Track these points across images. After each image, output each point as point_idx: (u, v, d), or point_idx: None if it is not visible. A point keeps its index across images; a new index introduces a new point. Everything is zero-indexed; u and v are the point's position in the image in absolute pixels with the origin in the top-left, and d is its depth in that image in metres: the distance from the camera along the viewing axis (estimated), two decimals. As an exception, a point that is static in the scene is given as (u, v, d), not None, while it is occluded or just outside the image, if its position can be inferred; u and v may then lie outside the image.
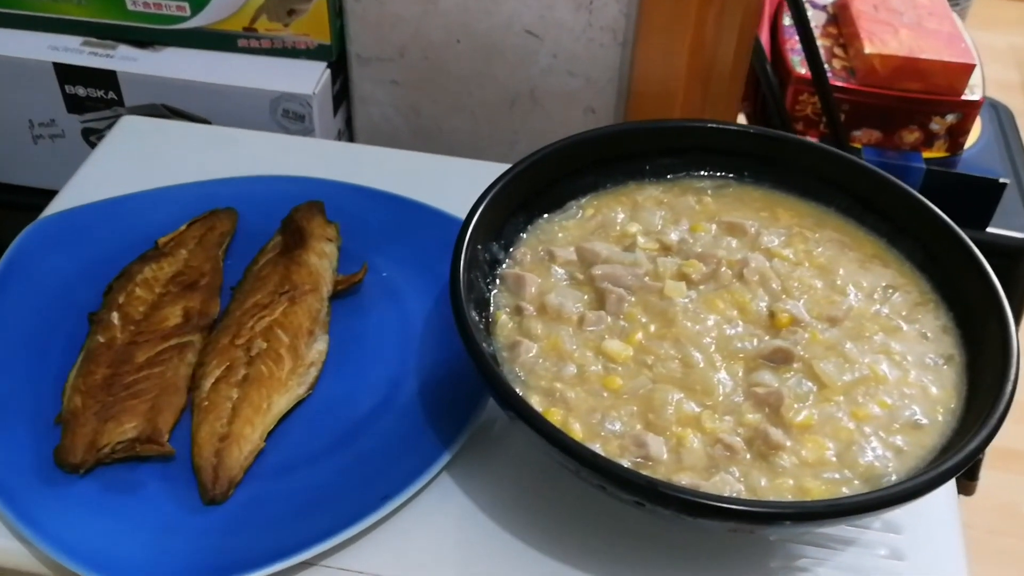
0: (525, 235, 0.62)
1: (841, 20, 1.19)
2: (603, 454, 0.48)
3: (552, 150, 0.61)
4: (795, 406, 0.52)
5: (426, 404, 0.62)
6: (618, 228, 0.62)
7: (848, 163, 0.63)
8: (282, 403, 0.61)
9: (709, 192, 0.65)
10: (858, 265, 0.61)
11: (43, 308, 0.67)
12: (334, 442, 0.60)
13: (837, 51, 1.28)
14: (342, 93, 0.94)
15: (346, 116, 0.96)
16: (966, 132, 1.11)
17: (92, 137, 0.94)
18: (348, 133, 0.98)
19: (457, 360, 0.64)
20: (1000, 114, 1.27)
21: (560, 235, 0.62)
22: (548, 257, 0.60)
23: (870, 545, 0.58)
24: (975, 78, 1.10)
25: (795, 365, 0.54)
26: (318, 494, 0.57)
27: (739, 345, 0.55)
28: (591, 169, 0.64)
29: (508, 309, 0.57)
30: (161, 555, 0.54)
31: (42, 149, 0.96)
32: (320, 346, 0.64)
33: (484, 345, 0.51)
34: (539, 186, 0.62)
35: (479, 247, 0.57)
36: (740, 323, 0.56)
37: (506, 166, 0.82)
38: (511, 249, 0.61)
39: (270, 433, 0.60)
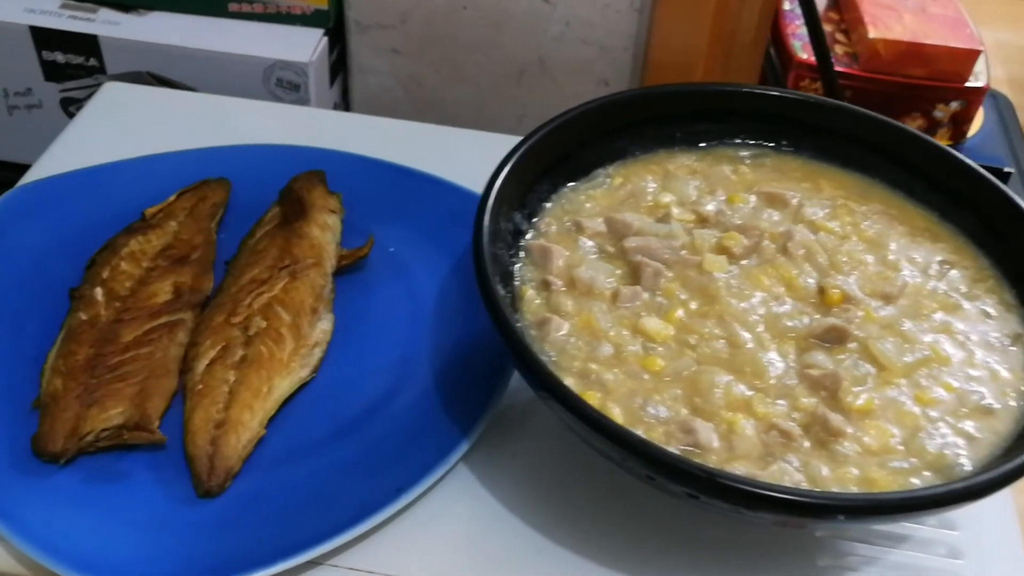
0: (549, 204, 0.57)
1: (843, 5, 1.16)
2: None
3: (581, 112, 0.56)
4: (853, 389, 0.47)
5: (440, 388, 0.57)
6: (650, 198, 0.57)
7: (898, 131, 0.58)
8: (284, 387, 0.55)
9: (746, 161, 0.60)
10: (908, 239, 0.56)
11: (18, 283, 0.61)
12: (341, 429, 0.55)
13: (839, 36, 1.25)
14: (339, 62, 0.89)
15: (343, 87, 0.91)
16: (970, 120, 1.09)
17: (71, 107, 0.88)
18: (344, 105, 0.93)
19: (474, 340, 0.59)
20: (1000, 103, 1.25)
21: (587, 205, 0.57)
22: (575, 228, 0.55)
23: (923, 543, 0.53)
24: (979, 65, 1.08)
25: (851, 345, 0.50)
26: (324, 486, 0.52)
27: (788, 324, 0.50)
28: (619, 135, 0.59)
29: (534, 284, 0.52)
30: (152, 553, 0.49)
31: (17, 120, 0.90)
32: (324, 325, 0.59)
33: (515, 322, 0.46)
34: (565, 151, 0.57)
35: (502, 216, 0.52)
36: (788, 300, 0.52)
37: (516, 138, 0.78)
38: (534, 219, 0.56)
39: (271, 419, 0.55)
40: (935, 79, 1.03)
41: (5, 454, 0.53)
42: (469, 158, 0.73)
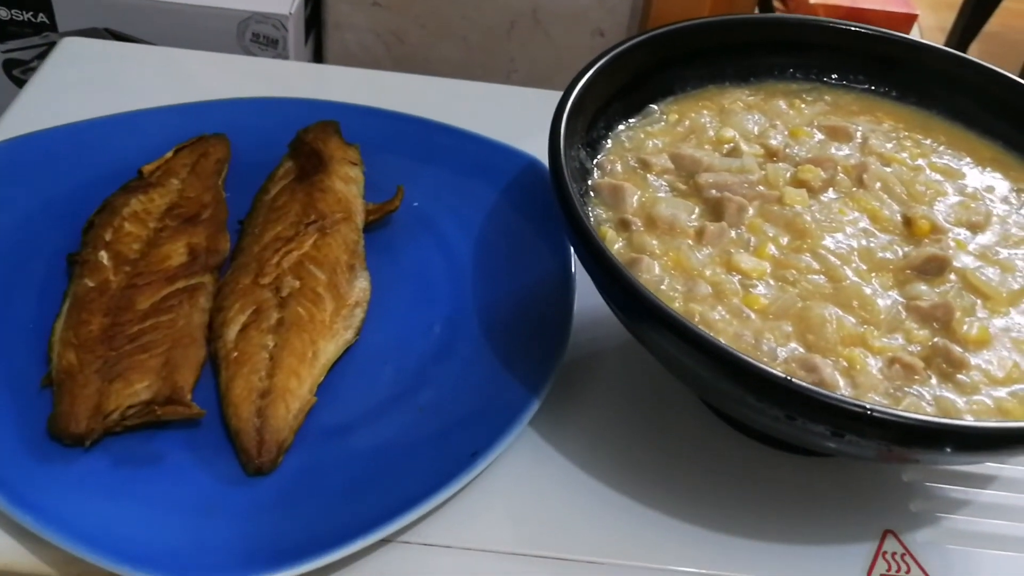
0: (608, 143, 0.52)
1: (781, -28, 1.16)
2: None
3: (644, 39, 0.52)
4: (965, 319, 0.45)
5: (497, 345, 0.52)
6: (711, 133, 0.53)
7: (957, 59, 0.56)
8: (330, 350, 0.50)
9: (800, 95, 0.57)
10: (979, 169, 0.54)
11: (2, 250, 0.54)
12: (396, 394, 0.50)
13: (776, 4, 1.25)
14: (313, 17, 0.83)
15: (315, 45, 0.85)
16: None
17: (16, 70, 0.80)
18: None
19: (523, 293, 0.55)
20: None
21: (648, 142, 0.53)
22: (641, 166, 0.51)
23: (1011, 483, 0.51)
24: (914, 31, 1.09)
25: (950, 276, 0.47)
26: (389, 456, 0.47)
27: (882, 256, 0.47)
28: (670, 69, 0.55)
29: (611, 224, 0.48)
30: (203, 539, 0.43)
31: (-47, 86, 0.81)
32: (362, 283, 0.53)
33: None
34: (622, 85, 0.53)
35: (570, 153, 0.48)
36: (876, 232, 0.49)
37: (520, 88, 0.73)
38: (596, 159, 0.51)
39: (319, 387, 0.49)
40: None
41: (16, 440, 0.46)
42: (472, 108, 0.69)
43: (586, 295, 0.54)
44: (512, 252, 0.57)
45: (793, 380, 0.37)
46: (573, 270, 0.55)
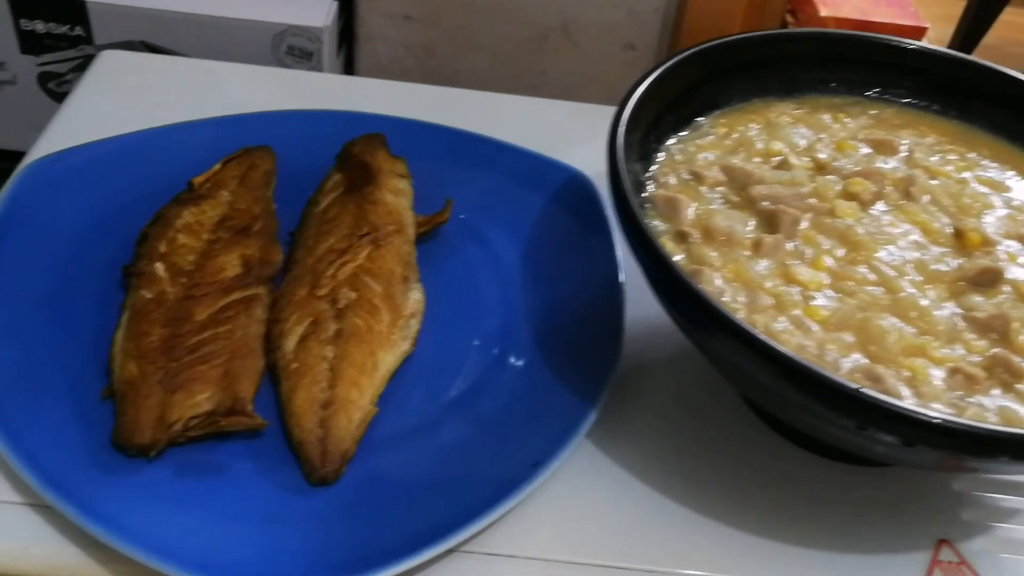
0: (660, 156, 0.53)
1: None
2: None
3: (696, 52, 0.52)
4: (1023, 330, 0.45)
5: (550, 357, 0.53)
6: (760, 146, 0.54)
7: (999, 74, 0.56)
8: (389, 361, 0.50)
9: (845, 108, 0.58)
10: None
11: (56, 262, 0.55)
12: (454, 404, 0.50)
13: (788, 18, 1.26)
14: (345, 30, 0.83)
15: (346, 57, 0.85)
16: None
17: (51, 83, 0.80)
18: (349, 78, 0.87)
19: (574, 303, 0.56)
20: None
21: (699, 155, 0.53)
22: (694, 178, 0.52)
23: (1058, 491, 0.52)
24: (924, 42, 1.10)
25: (1004, 288, 0.47)
26: (451, 466, 0.47)
27: (936, 268, 0.48)
28: (716, 83, 0.56)
29: (669, 236, 0.48)
30: (271, 549, 0.44)
31: (-13, 99, 0.82)
32: (416, 295, 0.54)
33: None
34: (672, 99, 0.53)
35: (628, 165, 0.48)
36: (927, 244, 0.49)
37: (557, 101, 0.74)
38: (649, 171, 0.52)
39: (378, 398, 0.50)
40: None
41: (81, 450, 0.46)
42: (508, 120, 0.69)
43: (631, 305, 0.55)
44: (560, 263, 0.58)
45: (866, 391, 0.38)
46: (622, 280, 0.56)
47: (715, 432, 0.52)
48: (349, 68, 0.86)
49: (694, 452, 0.51)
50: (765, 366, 0.39)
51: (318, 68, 0.78)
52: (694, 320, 0.42)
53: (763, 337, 0.39)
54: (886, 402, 0.37)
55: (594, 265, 0.57)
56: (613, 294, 0.55)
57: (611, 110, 0.74)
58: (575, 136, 0.69)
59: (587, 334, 0.53)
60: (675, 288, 0.41)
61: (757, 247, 0.48)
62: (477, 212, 0.61)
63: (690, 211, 0.50)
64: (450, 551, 0.45)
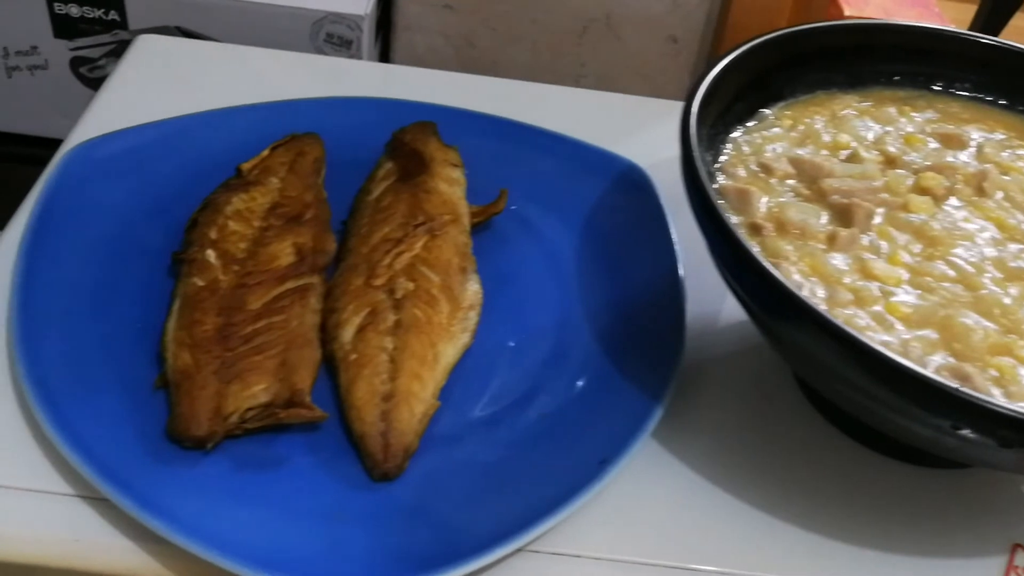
0: (727, 147, 0.52)
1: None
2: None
3: (766, 41, 0.51)
4: (1107, 330, 0.44)
5: (611, 352, 0.51)
6: (827, 139, 0.53)
7: (1069, 67, 0.55)
8: (450, 353, 0.49)
9: (910, 102, 0.56)
10: (1096, 180, 0.53)
11: (102, 248, 0.53)
12: (514, 400, 0.49)
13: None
14: (383, 19, 0.82)
15: (382, 47, 0.84)
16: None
17: (83, 68, 0.79)
18: (385, 67, 0.85)
19: (633, 297, 0.54)
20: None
21: (766, 147, 0.52)
22: (763, 171, 0.50)
23: None
24: None
25: (1085, 286, 0.46)
26: (517, 463, 0.46)
27: (1015, 265, 0.47)
28: (782, 73, 0.54)
29: (742, 228, 0.47)
30: (334, 545, 0.42)
31: (17, 84, 0.80)
32: (474, 286, 0.53)
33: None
34: (738, 89, 0.52)
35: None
36: (1004, 240, 0.48)
37: (604, 93, 0.73)
38: (718, 163, 0.51)
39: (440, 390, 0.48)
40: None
41: (135, 441, 0.45)
42: (554, 111, 0.68)
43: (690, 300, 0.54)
44: (616, 256, 0.56)
45: (966, 391, 0.36)
46: (682, 274, 0.55)
47: (779, 430, 0.51)
48: (385, 58, 0.85)
49: (758, 450, 0.50)
50: (860, 366, 0.37)
51: (357, 57, 0.77)
52: (784, 318, 0.41)
53: (861, 336, 0.37)
54: (990, 403, 0.36)
55: (652, 258, 0.56)
56: (673, 288, 0.54)
57: (657, 102, 0.73)
58: (623, 128, 0.68)
59: (647, 329, 0.52)
60: (764, 285, 0.40)
61: (832, 241, 0.47)
62: (529, 203, 0.59)
63: (761, 203, 0.48)
64: (516, 550, 0.44)
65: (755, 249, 0.45)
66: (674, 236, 0.57)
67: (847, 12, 1.18)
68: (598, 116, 0.69)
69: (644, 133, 0.68)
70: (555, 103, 0.70)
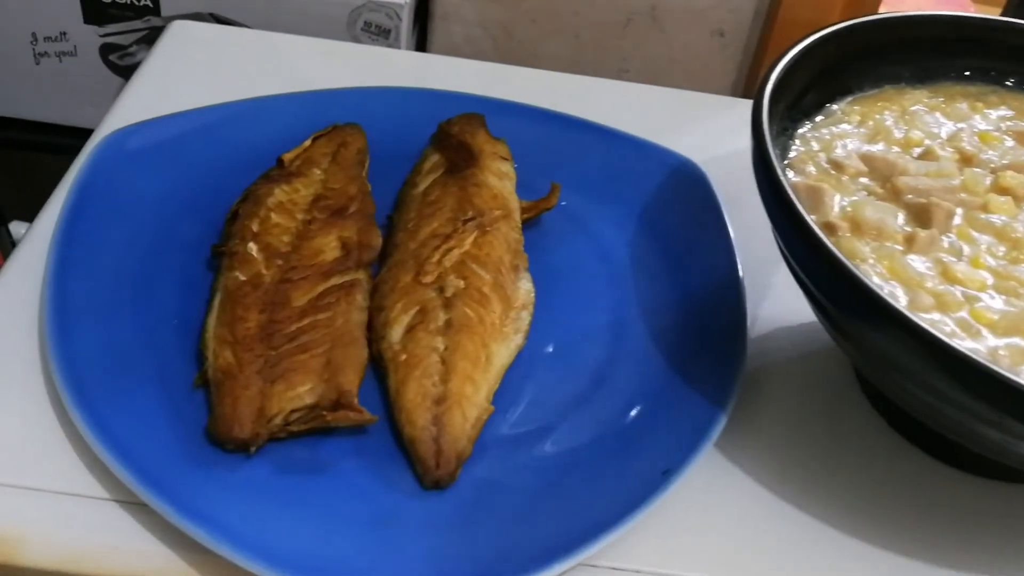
0: (796, 143, 0.49)
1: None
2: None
3: (837, 31, 0.49)
4: None
5: (669, 356, 0.49)
6: (898, 135, 0.50)
7: None
8: (503, 355, 0.47)
9: (982, 98, 0.54)
10: None
11: (138, 240, 0.51)
12: (569, 405, 0.47)
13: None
14: (420, 9, 0.80)
15: (418, 38, 0.82)
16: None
17: (113, 55, 0.77)
18: (421, 59, 0.83)
19: (690, 299, 0.52)
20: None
21: (836, 143, 0.49)
22: (834, 168, 0.48)
23: None
24: None
25: None
26: (571, 471, 0.44)
27: (1102, 270, 0.44)
28: (850, 67, 0.52)
29: (817, 228, 0.45)
30: (386, 556, 0.40)
31: (45, 71, 0.78)
32: (527, 285, 0.50)
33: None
34: (809, 79, 0.49)
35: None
36: (1090, 245, 0.46)
37: (657, 88, 0.70)
38: (786, 159, 0.48)
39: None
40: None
41: (174, 443, 0.43)
42: (600, 105, 0.66)
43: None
44: (672, 256, 0.54)
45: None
46: (741, 275, 0.52)
47: (844, 439, 0.48)
48: (421, 49, 0.83)
49: (825, 461, 0.47)
50: (956, 377, 0.35)
51: (395, 47, 0.74)
52: (870, 324, 0.38)
53: (959, 346, 0.35)
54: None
55: (709, 258, 0.54)
56: (733, 290, 0.51)
57: (706, 97, 0.71)
58: (670, 123, 0.65)
59: (707, 332, 0.50)
60: (850, 290, 0.38)
61: (910, 242, 0.44)
62: (579, 199, 0.57)
63: (834, 203, 0.46)
64: (575, 565, 0.41)
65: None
66: (732, 234, 0.54)
67: (880, 9, 1.16)
68: (644, 111, 0.67)
69: (694, 129, 0.66)
70: (599, 96, 0.68)
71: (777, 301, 0.54)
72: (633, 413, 0.46)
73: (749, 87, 0.80)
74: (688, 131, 0.65)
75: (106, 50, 0.77)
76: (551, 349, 0.49)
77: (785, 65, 0.47)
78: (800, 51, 0.47)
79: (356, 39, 0.74)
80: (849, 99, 0.53)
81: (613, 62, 0.80)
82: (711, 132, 0.65)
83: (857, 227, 0.45)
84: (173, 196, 0.54)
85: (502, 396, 0.46)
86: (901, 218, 0.46)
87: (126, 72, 0.72)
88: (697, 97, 0.69)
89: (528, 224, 0.55)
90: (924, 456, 0.48)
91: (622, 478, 0.43)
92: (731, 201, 0.57)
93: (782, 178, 0.41)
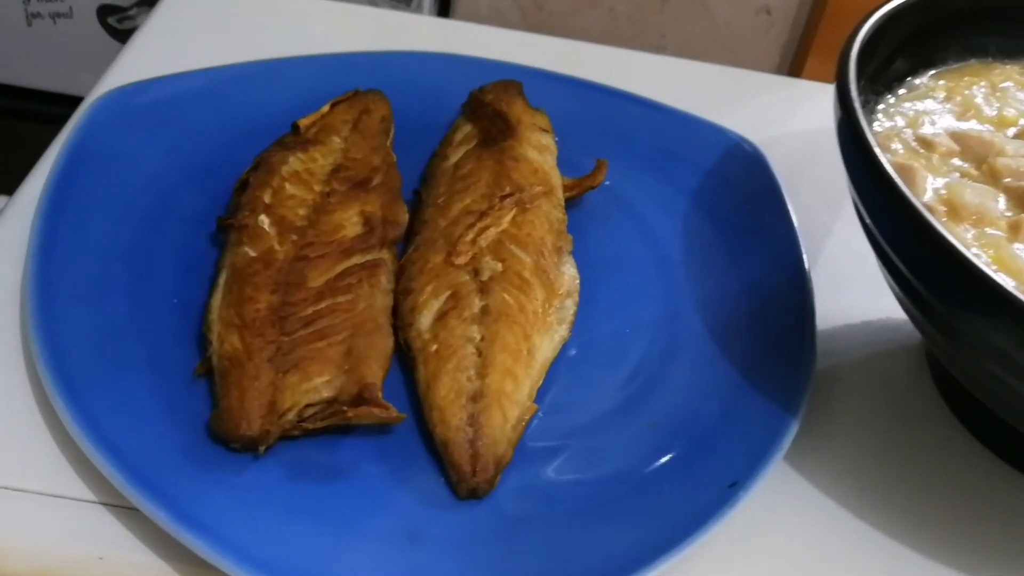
0: (878, 118, 0.44)
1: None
2: None
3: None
4: None
5: (730, 354, 0.44)
6: (990, 113, 0.45)
7: None
8: (546, 347, 0.41)
9: (1077, 75, 0.49)
10: None
11: (134, 211, 0.46)
12: (618, 406, 0.41)
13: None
14: (444, -24, 0.74)
15: (440, 7, 0.76)
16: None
17: (112, 18, 0.71)
18: (443, 30, 0.78)
19: (750, 293, 0.46)
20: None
21: (923, 119, 0.44)
22: (923, 146, 0.43)
23: None
24: None
25: None
26: (624, 481, 0.38)
27: None
28: (936, 38, 0.47)
29: (927, 212, 0.39)
30: (414, 573, 0.34)
31: (38, 33, 0.72)
32: (571, 270, 0.45)
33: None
34: (893, 49, 0.44)
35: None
36: None
37: (706, 64, 0.65)
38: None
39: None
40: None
41: (171, 440, 0.37)
42: (645, 79, 0.60)
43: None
44: (728, 243, 0.49)
45: None
46: (807, 267, 0.47)
47: (922, 450, 0.44)
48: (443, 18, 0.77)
49: (902, 474, 0.43)
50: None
51: (417, 11, 0.69)
52: (989, 319, 0.33)
53: None
54: None
55: (770, 247, 0.48)
56: (798, 282, 0.46)
57: (755, 75, 0.65)
58: (718, 100, 0.60)
59: (771, 329, 0.44)
60: (967, 282, 0.32)
61: (1015, 230, 0.39)
62: (625, 178, 0.52)
63: (927, 184, 0.40)
64: (627, 588, 0.36)
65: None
66: (795, 221, 0.49)
67: None
68: (689, 87, 0.61)
69: (742, 108, 0.61)
70: (639, 70, 0.62)
71: (839, 295, 0.49)
72: (694, 419, 0.41)
73: (795, 68, 0.74)
74: (736, 110, 0.59)
75: (104, 12, 0.71)
76: (597, 342, 0.44)
77: (872, 26, 0.41)
78: (890, 11, 0.42)
79: (374, 3, 0.68)
80: (933, 72, 0.47)
81: (650, 39, 0.75)
82: (761, 111, 0.60)
83: (955, 212, 0.39)
84: (175, 163, 0.48)
85: (544, 394, 0.41)
86: (1002, 202, 0.40)
87: (125, 37, 0.67)
88: (744, 75, 0.64)
89: (570, 204, 0.49)
90: (1007, 467, 0.43)
91: (683, 491, 0.38)
92: (787, 184, 0.51)
93: (880, 155, 0.36)
